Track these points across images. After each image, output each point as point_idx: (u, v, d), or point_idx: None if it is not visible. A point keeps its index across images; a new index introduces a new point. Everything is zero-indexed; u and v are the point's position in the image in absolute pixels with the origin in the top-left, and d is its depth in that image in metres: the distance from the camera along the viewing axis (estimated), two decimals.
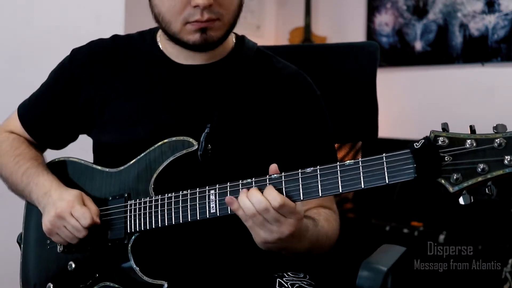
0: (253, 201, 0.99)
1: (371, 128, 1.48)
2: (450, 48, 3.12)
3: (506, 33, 2.94)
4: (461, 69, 3.11)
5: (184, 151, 1.12)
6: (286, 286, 1.13)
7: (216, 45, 1.17)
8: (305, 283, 1.15)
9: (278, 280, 1.15)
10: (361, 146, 1.51)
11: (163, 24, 1.15)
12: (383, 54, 3.29)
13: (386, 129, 3.03)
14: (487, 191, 0.85)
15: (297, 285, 1.13)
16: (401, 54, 3.30)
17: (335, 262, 1.39)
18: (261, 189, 1.00)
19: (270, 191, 0.99)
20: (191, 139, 1.12)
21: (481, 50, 3.01)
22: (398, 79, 3.30)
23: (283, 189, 0.99)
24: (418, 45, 3.24)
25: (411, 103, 3.27)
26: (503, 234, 2.58)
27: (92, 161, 1.28)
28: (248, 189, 1.01)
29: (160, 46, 1.25)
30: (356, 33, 3.44)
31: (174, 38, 1.17)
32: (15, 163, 1.28)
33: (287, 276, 1.17)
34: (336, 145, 1.43)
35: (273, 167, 1.02)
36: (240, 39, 1.29)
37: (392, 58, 3.32)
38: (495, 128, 0.86)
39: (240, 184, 1.02)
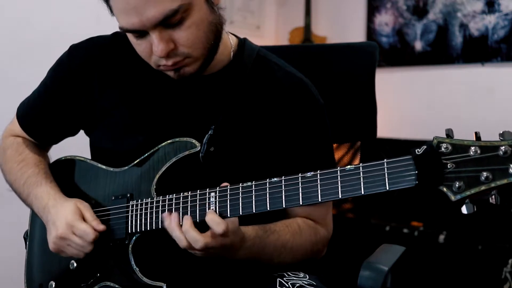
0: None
1: (370, 128, 1.48)
2: (450, 48, 3.12)
3: (506, 33, 2.94)
4: (461, 69, 3.11)
5: (187, 152, 1.12)
6: (287, 286, 1.13)
7: (198, 74, 1.14)
8: (306, 282, 1.15)
9: (279, 280, 1.15)
10: (360, 146, 1.51)
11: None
12: (383, 54, 3.29)
13: (385, 129, 3.04)
14: (490, 200, 0.82)
15: (297, 284, 1.13)
16: (401, 54, 3.30)
17: (335, 261, 1.39)
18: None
19: (188, 229, 1.03)
20: (194, 140, 1.12)
21: (481, 50, 3.01)
22: (398, 79, 3.30)
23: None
24: (418, 45, 3.24)
25: (411, 103, 3.27)
26: (503, 234, 2.58)
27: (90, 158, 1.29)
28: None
29: None
30: (356, 33, 3.44)
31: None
32: (18, 169, 1.28)
33: (287, 276, 1.17)
34: (334, 145, 1.43)
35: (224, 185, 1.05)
36: (241, 44, 1.25)
37: (392, 58, 3.32)
38: (501, 135, 0.82)
39: (241, 187, 1.02)
